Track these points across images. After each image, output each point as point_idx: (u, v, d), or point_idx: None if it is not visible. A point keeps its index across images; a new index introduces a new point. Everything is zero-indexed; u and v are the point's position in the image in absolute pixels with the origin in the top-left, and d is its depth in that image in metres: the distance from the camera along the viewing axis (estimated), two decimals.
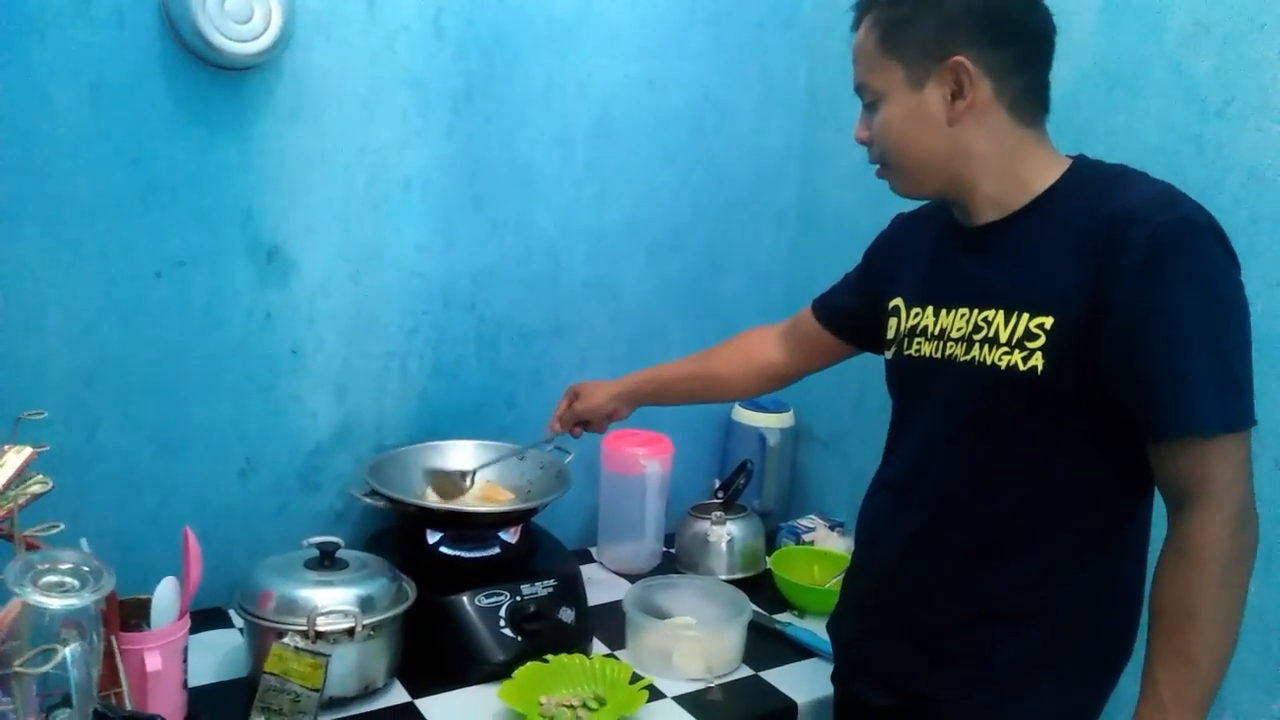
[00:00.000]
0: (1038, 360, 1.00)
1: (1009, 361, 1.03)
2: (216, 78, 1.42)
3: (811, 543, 1.83)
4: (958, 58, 1.02)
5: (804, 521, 1.89)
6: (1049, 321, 1.00)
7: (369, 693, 1.33)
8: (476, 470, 1.60)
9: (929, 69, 1.04)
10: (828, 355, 1.43)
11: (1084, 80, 1.41)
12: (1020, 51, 1.04)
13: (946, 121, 1.05)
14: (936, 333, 1.13)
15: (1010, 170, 1.06)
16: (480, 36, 1.62)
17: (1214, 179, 1.27)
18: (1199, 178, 1.28)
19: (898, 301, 1.21)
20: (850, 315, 1.35)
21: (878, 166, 1.13)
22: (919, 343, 1.15)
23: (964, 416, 1.09)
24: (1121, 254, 0.95)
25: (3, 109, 1.30)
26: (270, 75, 1.46)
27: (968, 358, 1.07)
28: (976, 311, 1.08)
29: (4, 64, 1.29)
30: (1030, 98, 1.06)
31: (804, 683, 1.44)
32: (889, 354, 1.22)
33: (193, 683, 1.28)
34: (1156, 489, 1.03)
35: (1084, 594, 1.07)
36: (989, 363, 1.05)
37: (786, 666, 1.50)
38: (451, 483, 1.59)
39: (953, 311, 1.11)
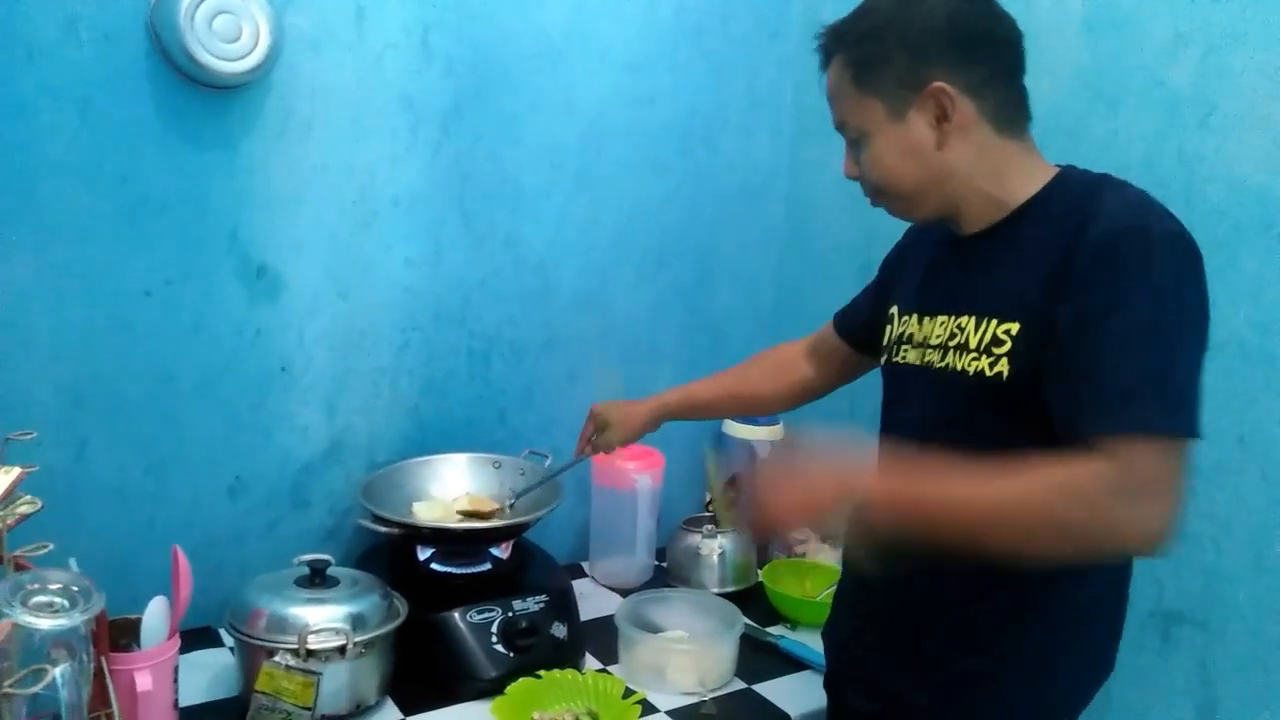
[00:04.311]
0: (1004, 366, 1.01)
1: (977, 367, 1.04)
2: (205, 96, 1.43)
3: (803, 555, 1.83)
4: (936, 83, 1.02)
5: (796, 534, 1.88)
6: (1015, 328, 1.01)
7: (361, 711, 1.33)
8: (515, 500, 1.60)
9: (908, 100, 1.04)
10: (852, 368, 1.44)
11: (1065, 92, 1.43)
12: (994, 64, 1.05)
13: (935, 146, 1.05)
14: (920, 340, 1.14)
15: (998, 182, 1.07)
16: (468, 53, 1.63)
17: (1196, 190, 1.29)
18: (1181, 189, 1.29)
19: (893, 309, 1.23)
20: (866, 328, 1.35)
21: (873, 198, 1.14)
22: (904, 350, 1.17)
23: (938, 422, 1.10)
24: (1075, 258, 0.96)
25: None
26: (259, 93, 1.47)
27: (942, 364, 1.09)
28: (952, 318, 1.09)
29: None
30: (1012, 108, 1.07)
31: (797, 695, 1.44)
32: (883, 360, 1.24)
33: (183, 702, 1.27)
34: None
35: (1061, 602, 1.07)
36: (960, 368, 1.06)
37: (779, 679, 1.50)
38: (484, 517, 1.59)
39: (934, 319, 1.13)
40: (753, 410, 1.65)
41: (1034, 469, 0.94)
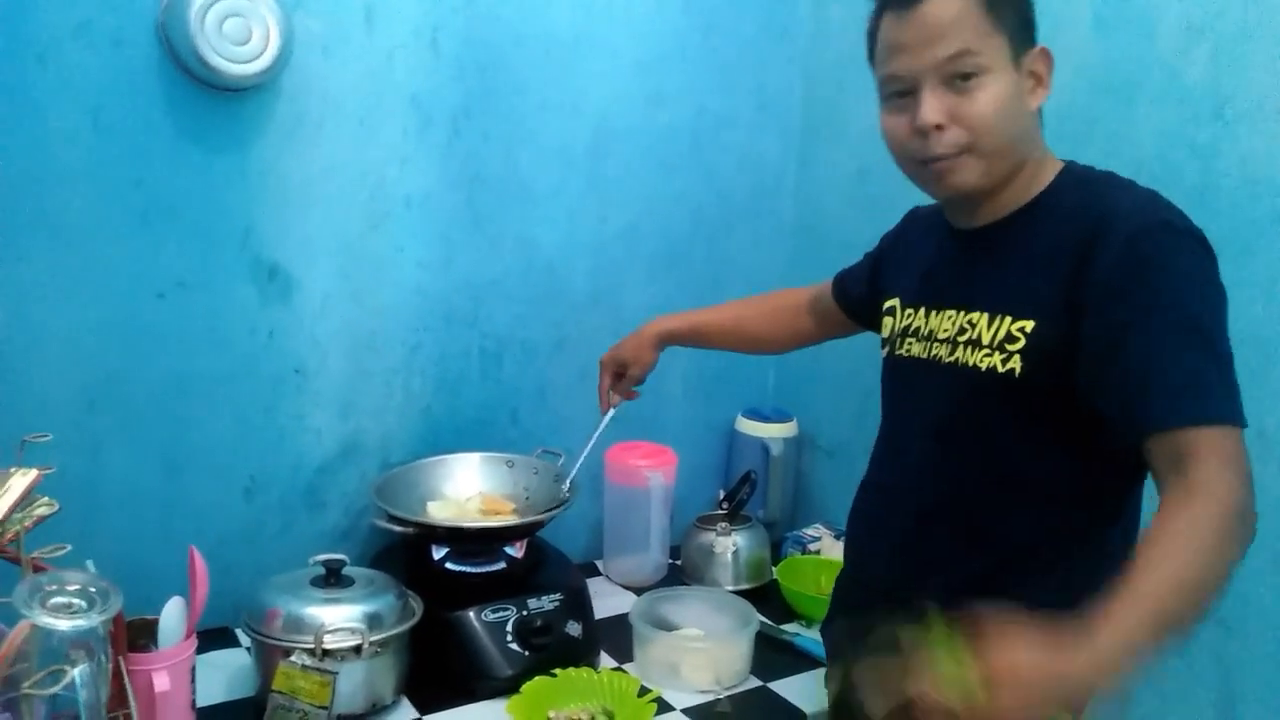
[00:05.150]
0: (1016, 363, 1.01)
1: (989, 363, 1.03)
2: (215, 99, 1.43)
3: (818, 552, 1.83)
4: (1043, 46, 1.03)
5: (809, 531, 1.88)
6: (1029, 325, 1.01)
7: (377, 710, 1.33)
8: (571, 476, 1.60)
9: (1023, 50, 1.02)
10: (846, 329, 1.47)
11: (1077, 86, 1.42)
12: None
13: (1030, 109, 1.04)
14: (925, 333, 1.14)
15: (1031, 169, 1.07)
16: (477, 54, 1.63)
17: (1210, 183, 1.28)
18: (1195, 182, 1.28)
19: (893, 302, 1.23)
20: (860, 301, 1.38)
21: (940, 157, 1.03)
22: (909, 343, 1.17)
23: (945, 416, 1.11)
24: (1099, 256, 0.96)
25: (4, 134, 1.31)
26: (269, 95, 1.47)
27: (951, 359, 1.09)
28: (962, 313, 1.09)
29: (5, 88, 1.30)
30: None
31: (812, 693, 1.44)
32: (884, 353, 1.24)
33: (201, 702, 1.28)
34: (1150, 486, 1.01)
35: (1068, 597, 1.05)
36: (970, 364, 1.06)
37: (795, 677, 1.50)
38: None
39: (941, 313, 1.12)
40: (748, 348, 1.66)
41: (1180, 525, 0.88)
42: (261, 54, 1.37)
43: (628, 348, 1.55)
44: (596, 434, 1.59)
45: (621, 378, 1.56)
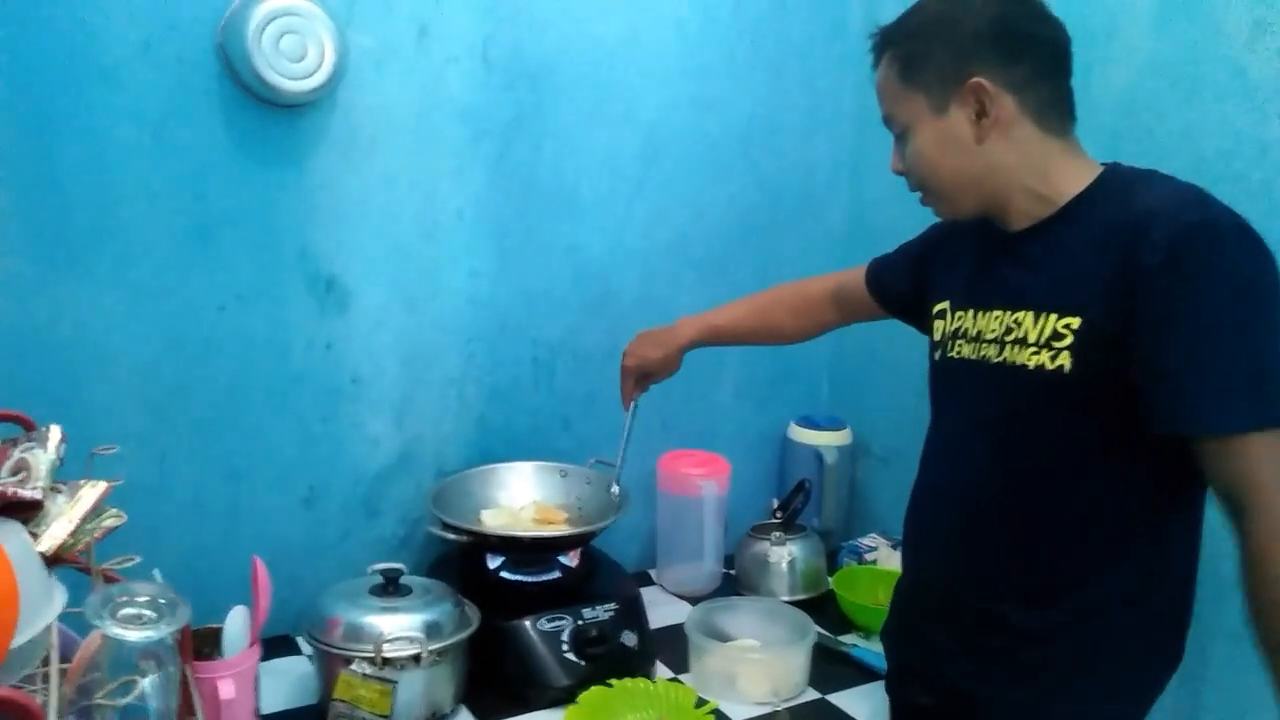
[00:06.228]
0: (1065, 360, 1.01)
1: (1037, 361, 1.04)
2: (273, 115, 1.45)
3: (874, 562, 1.81)
4: (976, 79, 1.05)
5: (866, 541, 1.86)
6: (1076, 322, 1.01)
7: (436, 718, 1.34)
8: (619, 471, 1.61)
9: (950, 94, 1.07)
10: (874, 317, 1.48)
11: (1140, 84, 1.39)
12: (1037, 64, 1.07)
13: (975, 141, 1.08)
14: (974, 335, 1.15)
15: (1042, 179, 1.08)
16: (527, 65, 1.64)
17: (1278, 182, 1.24)
18: (1262, 180, 1.25)
19: (943, 305, 1.23)
20: (899, 295, 1.39)
21: (920, 195, 1.17)
22: (959, 345, 1.17)
23: (996, 416, 1.11)
24: (1144, 254, 0.96)
25: (71, 152, 1.34)
26: (325, 111, 1.49)
27: (999, 359, 1.09)
28: (1009, 313, 1.10)
29: (73, 109, 1.33)
30: (1055, 107, 1.08)
31: (872, 705, 1.42)
32: (935, 356, 1.24)
33: (264, 710, 1.30)
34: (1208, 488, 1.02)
35: (1125, 596, 1.06)
36: (1018, 363, 1.06)
37: (854, 689, 1.48)
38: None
39: (988, 314, 1.13)
40: (769, 341, 1.67)
41: (1258, 592, 0.94)
42: (317, 70, 1.40)
43: (655, 360, 1.57)
44: (627, 433, 1.61)
45: (645, 377, 1.59)
